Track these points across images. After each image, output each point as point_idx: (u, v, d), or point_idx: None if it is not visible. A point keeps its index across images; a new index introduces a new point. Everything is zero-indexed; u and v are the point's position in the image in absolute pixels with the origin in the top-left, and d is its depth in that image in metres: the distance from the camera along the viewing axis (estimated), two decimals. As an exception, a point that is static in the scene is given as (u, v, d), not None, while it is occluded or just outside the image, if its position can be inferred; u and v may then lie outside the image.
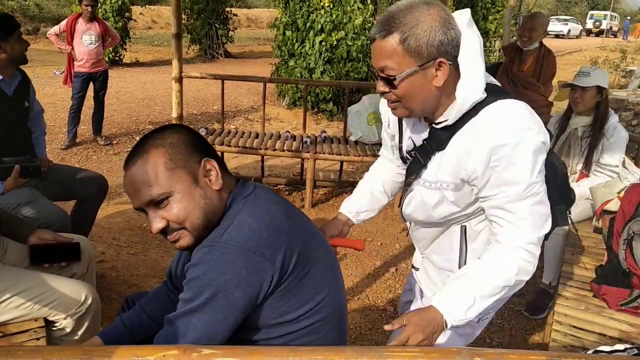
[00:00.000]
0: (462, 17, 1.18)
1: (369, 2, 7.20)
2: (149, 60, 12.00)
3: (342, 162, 4.49)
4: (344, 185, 4.53)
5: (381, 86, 1.18)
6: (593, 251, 2.34)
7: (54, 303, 1.64)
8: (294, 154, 3.97)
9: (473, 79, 1.16)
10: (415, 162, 1.32)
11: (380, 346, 1.58)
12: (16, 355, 0.81)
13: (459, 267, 1.40)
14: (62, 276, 1.78)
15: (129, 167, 1.10)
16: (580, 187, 2.67)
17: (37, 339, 1.54)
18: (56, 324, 1.66)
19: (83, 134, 5.51)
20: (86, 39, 5.19)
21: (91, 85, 5.29)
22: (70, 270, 1.91)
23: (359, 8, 7.12)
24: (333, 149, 4.00)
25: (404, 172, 1.45)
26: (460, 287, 1.22)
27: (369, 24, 7.25)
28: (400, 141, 1.40)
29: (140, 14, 13.62)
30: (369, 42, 7.26)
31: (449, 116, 1.20)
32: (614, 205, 2.20)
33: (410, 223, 1.52)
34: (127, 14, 10.82)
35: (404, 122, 1.38)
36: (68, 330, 1.66)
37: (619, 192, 2.28)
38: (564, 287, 2.04)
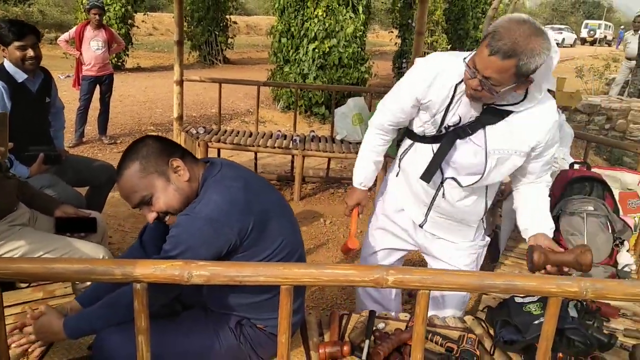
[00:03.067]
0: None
1: (360, 11, 7.60)
2: (149, 66, 12.40)
3: (329, 161, 4.87)
4: (331, 182, 4.91)
5: (478, 86, 1.49)
6: (536, 230, 2.71)
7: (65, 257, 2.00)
8: (284, 150, 4.35)
9: (545, 87, 1.62)
10: (461, 130, 1.68)
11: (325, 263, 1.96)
12: (72, 262, 1.18)
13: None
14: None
15: (118, 180, 1.44)
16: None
17: (65, 287, 1.90)
18: (79, 278, 2.03)
19: (89, 133, 5.89)
20: (93, 45, 5.58)
21: (97, 88, 5.68)
22: (87, 239, 2.28)
23: (350, 17, 7.53)
24: (320, 146, 4.37)
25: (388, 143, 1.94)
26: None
27: (360, 32, 7.66)
28: (445, 116, 1.68)
29: (143, 21, 14.01)
30: (360, 49, 7.73)
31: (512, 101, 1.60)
32: (550, 190, 2.57)
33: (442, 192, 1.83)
34: (129, 21, 11.24)
35: (455, 102, 1.65)
36: (88, 283, 2.02)
37: (557, 179, 2.64)
38: (504, 257, 2.42)
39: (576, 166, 2.61)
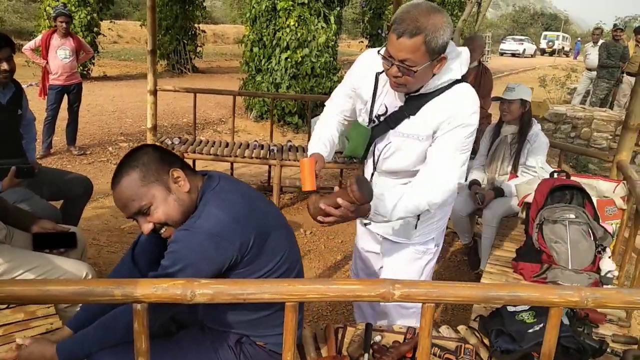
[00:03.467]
0: None
1: (332, 21, 7.65)
2: (116, 74, 12.15)
3: (306, 170, 4.84)
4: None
5: (398, 72, 1.52)
6: (517, 238, 2.76)
7: (59, 278, 1.92)
8: (261, 161, 4.31)
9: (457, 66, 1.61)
10: (390, 120, 1.70)
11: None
12: (67, 283, 1.12)
13: None
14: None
15: (114, 187, 1.38)
16: (510, 186, 3.12)
17: (47, 307, 1.82)
18: (60, 297, 1.94)
19: (57, 144, 5.70)
20: (60, 54, 5.43)
21: (65, 98, 5.51)
22: (67, 255, 2.19)
23: (322, 27, 7.57)
24: (298, 156, 4.35)
25: (347, 121, 1.91)
26: (392, 196, 1.60)
27: (332, 42, 7.71)
28: (372, 106, 1.75)
29: (109, 29, 13.72)
30: (332, 59, 7.77)
31: (428, 88, 1.61)
32: (531, 198, 2.62)
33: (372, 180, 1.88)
34: (95, 29, 10.99)
35: (379, 92, 1.73)
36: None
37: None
38: (490, 266, 2.44)
39: (555, 175, 2.67)
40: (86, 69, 10.65)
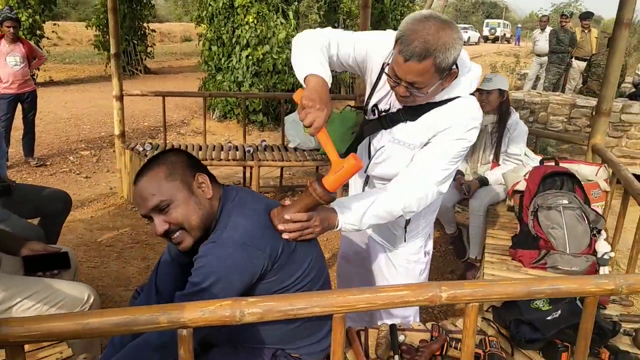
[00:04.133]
0: None
1: (291, 17, 7.59)
2: (63, 79, 11.60)
3: (282, 169, 4.80)
4: (285, 190, 4.85)
5: (406, 92, 1.46)
6: (508, 225, 2.82)
7: (61, 303, 1.81)
8: (238, 162, 4.22)
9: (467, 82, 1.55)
10: (385, 120, 1.64)
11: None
12: (108, 314, 1.05)
13: None
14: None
15: (138, 181, 1.34)
16: (494, 174, 3.19)
17: (52, 335, 1.71)
18: (63, 323, 1.83)
19: (13, 156, 5.39)
20: (10, 61, 5.13)
21: (19, 107, 5.22)
22: (60, 277, 2.06)
23: (281, 23, 7.49)
24: (275, 156, 4.30)
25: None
26: (361, 202, 1.53)
27: (292, 38, 7.64)
28: (373, 92, 1.67)
29: (53, 32, 13.07)
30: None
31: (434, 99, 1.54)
32: (521, 186, 2.69)
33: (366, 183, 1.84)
34: (38, 31, 10.44)
35: (381, 83, 1.63)
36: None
37: (524, 175, 2.78)
38: (488, 255, 2.49)
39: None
40: (31, 74, 10.10)
